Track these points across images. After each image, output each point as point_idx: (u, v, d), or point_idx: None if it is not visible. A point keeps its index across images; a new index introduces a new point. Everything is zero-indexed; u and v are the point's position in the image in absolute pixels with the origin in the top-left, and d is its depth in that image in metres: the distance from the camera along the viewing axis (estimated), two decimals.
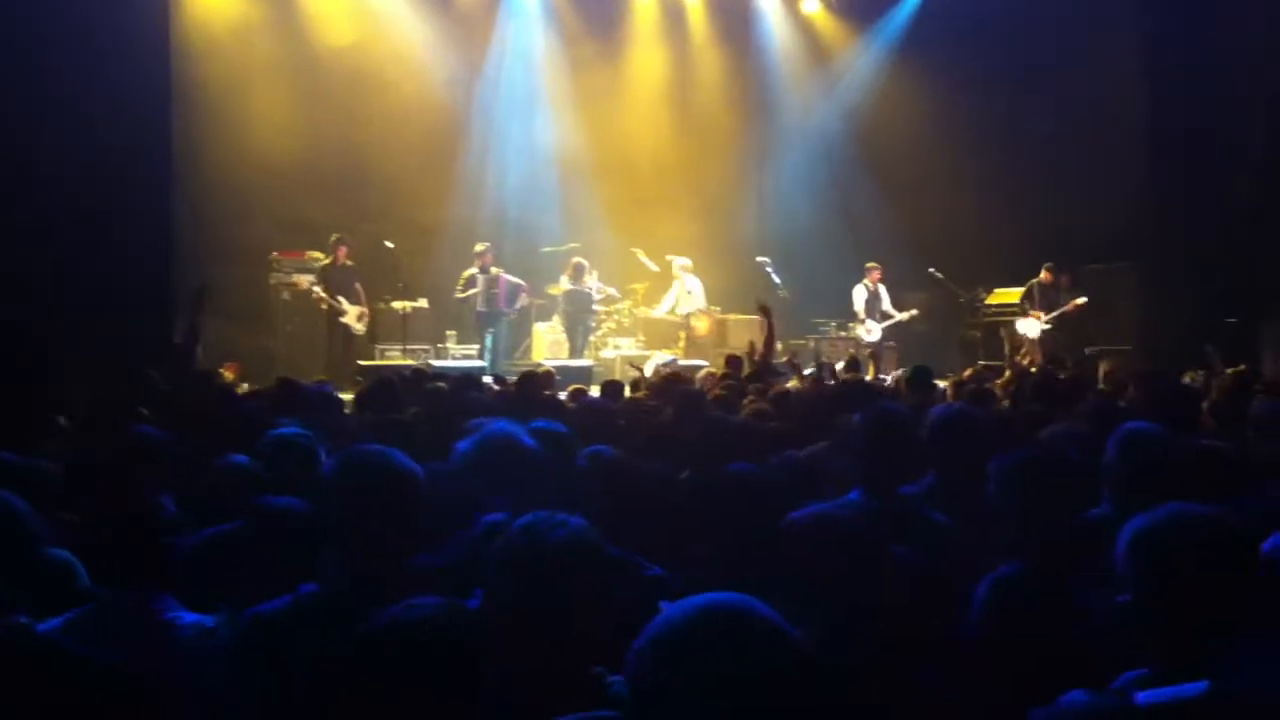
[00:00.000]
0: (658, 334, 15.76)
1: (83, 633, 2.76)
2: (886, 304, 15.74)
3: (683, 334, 15.41)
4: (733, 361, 9.57)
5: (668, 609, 1.77)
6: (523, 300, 14.85)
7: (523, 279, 14.97)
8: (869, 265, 15.74)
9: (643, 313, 15.60)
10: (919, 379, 7.87)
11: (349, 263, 13.95)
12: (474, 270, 14.45)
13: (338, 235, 13.87)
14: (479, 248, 14.53)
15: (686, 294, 15.39)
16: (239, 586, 3.07)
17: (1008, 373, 10.12)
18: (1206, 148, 14.92)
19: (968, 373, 9.47)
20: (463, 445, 3.69)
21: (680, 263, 15.44)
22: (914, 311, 15.75)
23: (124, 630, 2.79)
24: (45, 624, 2.81)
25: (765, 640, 1.69)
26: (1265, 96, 14.59)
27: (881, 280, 15.74)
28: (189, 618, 2.90)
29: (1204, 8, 14.67)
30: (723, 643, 1.66)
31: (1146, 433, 3.70)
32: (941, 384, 8.62)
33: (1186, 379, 9.32)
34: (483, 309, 14.48)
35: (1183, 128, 15.06)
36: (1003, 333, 15.52)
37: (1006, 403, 7.07)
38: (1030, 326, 14.99)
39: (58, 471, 4.20)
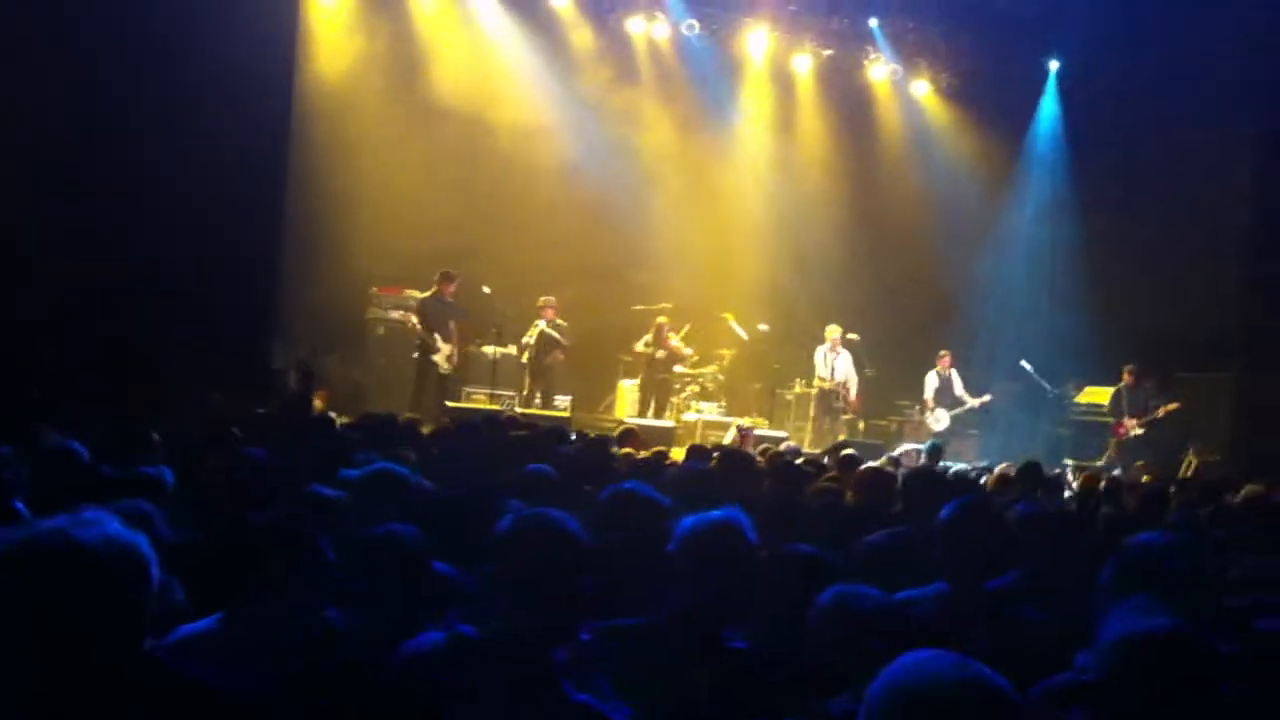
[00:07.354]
0: (739, 400, 15.73)
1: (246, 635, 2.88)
2: (959, 389, 15.47)
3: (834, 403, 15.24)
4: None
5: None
6: (553, 357, 14.54)
7: (611, 334, 14.96)
8: (941, 353, 15.55)
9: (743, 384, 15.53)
10: (1030, 475, 7.65)
11: (451, 300, 13.75)
12: (540, 322, 14.39)
13: (447, 270, 13.66)
14: (542, 300, 14.44)
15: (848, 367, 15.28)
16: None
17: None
18: None
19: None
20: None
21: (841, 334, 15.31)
22: (988, 397, 15.49)
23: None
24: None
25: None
26: None
27: (953, 366, 15.52)
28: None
29: None
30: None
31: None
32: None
33: None
34: (533, 361, 14.39)
35: None
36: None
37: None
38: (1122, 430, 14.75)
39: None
